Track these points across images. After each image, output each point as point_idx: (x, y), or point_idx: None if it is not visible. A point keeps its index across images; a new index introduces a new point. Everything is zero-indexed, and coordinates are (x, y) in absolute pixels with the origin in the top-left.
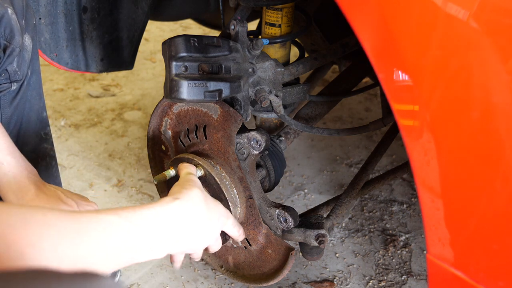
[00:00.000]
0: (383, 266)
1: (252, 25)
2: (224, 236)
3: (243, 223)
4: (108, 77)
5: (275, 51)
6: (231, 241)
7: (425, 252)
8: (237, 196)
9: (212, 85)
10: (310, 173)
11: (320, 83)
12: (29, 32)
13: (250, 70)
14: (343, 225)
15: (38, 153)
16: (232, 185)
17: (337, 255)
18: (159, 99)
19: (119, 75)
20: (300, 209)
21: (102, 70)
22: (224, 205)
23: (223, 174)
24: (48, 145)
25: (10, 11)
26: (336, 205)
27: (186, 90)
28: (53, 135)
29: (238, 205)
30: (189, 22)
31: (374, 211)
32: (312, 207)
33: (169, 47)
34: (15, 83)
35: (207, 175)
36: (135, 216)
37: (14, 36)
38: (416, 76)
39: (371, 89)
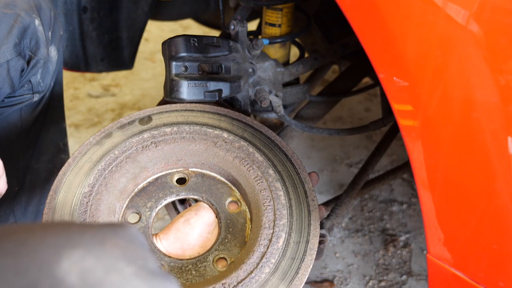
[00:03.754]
0: (383, 266)
1: (252, 25)
2: None
3: None
4: (108, 77)
5: (275, 51)
6: None
7: (425, 252)
8: None
9: (212, 85)
10: None
11: (320, 83)
12: (55, 44)
13: (250, 70)
14: (343, 225)
15: (55, 163)
16: None
17: (337, 255)
18: (159, 99)
19: (119, 75)
20: None
21: (102, 70)
22: None
23: None
24: (65, 156)
25: (37, 22)
26: (336, 205)
27: (186, 90)
28: None
29: None
30: (189, 22)
31: (374, 211)
32: None
33: (169, 47)
34: (37, 94)
35: None
36: None
37: (39, 48)
38: (416, 76)
39: (371, 89)
